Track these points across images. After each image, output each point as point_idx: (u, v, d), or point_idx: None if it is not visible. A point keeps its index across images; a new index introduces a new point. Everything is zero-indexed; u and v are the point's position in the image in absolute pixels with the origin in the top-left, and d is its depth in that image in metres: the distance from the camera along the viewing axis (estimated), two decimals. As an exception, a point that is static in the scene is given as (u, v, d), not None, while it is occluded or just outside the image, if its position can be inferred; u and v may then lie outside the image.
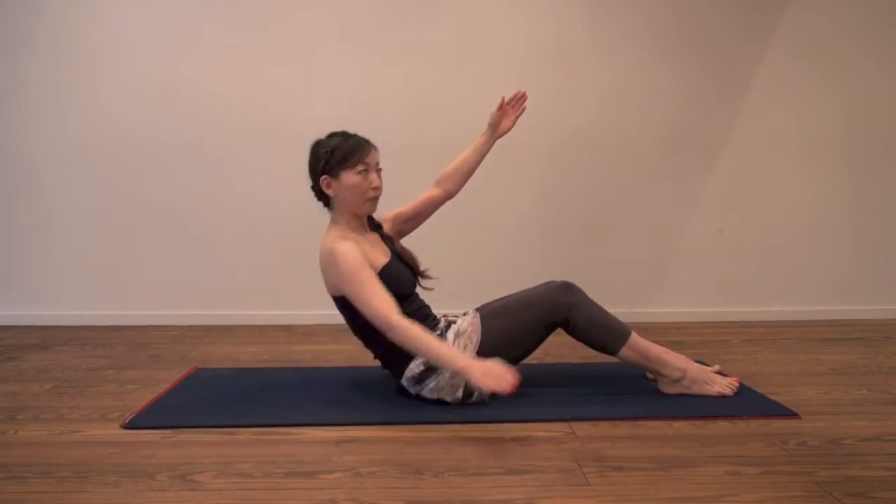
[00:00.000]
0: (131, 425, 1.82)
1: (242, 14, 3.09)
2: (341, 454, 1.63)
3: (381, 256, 2.00)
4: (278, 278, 3.18)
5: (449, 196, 2.24)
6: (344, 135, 2.00)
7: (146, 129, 3.12)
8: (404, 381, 1.97)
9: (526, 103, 2.25)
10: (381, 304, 1.83)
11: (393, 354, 1.95)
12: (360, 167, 1.94)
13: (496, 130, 2.23)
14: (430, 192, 2.23)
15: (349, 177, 1.95)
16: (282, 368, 2.42)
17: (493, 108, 2.21)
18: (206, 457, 1.61)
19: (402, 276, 2.01)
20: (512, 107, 2.23)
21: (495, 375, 1.68)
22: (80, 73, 3.09)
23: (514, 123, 2.24)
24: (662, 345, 2.05)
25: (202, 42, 3.10)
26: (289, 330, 3.05)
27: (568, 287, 2.01)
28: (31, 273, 3.17)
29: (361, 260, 1.88)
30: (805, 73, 3.21)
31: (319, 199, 2.05)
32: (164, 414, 1.92)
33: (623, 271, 3.24)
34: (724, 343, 2.77)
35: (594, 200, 3.24)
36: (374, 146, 2.01)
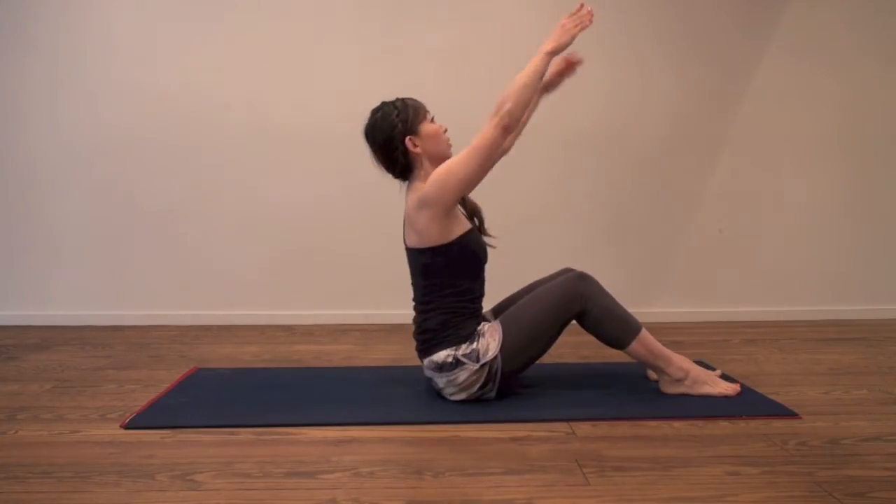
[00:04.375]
0: (131, 425, 1.82)
1: (240, 15, 3.09)
2: (341, 454, 1.63)
3: (465, 220, 2.03)
4: (278, 278, 3.18)
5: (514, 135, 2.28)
6: (389, 102, 2.02)
7: (145, 129, 3.12)
8: (426, 362, 1.99)
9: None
10: (475, 143, 1.87)
11: (437, 333, 1.96)
12: (429, 115, 2.02)
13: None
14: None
15: (426, 126, 1.99)
16: (282, 368, 2.42)
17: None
18: (206, 457, 1.61)
19: (482, 246, 2.04)
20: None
21: (567, 28, 1.97)
22: (78, 73, 3.09)
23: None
24: (664, 345, 2.04)
25: (200, 43, 3.10)
26: (289, 330, 3.05)
27: (582, 277, 2.01)
28: (31, 273, 3.17)
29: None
30: (806, 71, 3.21)
31: (398, 171, 2.03)
32: (164, 414, 1.92)
33: (623, 271, 3.24)
34: (724, 343, 2.77)
35: (595, 200, 3.24)
36: None
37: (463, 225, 1.99)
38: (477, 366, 1.92)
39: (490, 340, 1.95)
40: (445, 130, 2.04)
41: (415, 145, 1.98)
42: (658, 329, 2.90)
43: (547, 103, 3.16)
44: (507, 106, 1.87)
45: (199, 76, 3.11)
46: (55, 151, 3.12)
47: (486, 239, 2.07)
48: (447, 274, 1.97)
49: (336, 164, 3.14)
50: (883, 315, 3.25)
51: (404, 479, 1.49)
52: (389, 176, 2.05)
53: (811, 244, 3.28)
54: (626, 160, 3.22)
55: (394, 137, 1.97)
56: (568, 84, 3.18)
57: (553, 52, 1.95)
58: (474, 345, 1.95)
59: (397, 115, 1.98)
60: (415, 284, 2.04)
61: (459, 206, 2.05)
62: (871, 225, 3.29)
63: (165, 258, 3.17)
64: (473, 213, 2.10)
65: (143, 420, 1.86)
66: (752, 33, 3.19)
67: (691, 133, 3.23)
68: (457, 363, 1.93)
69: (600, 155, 3.21)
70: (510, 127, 1.87)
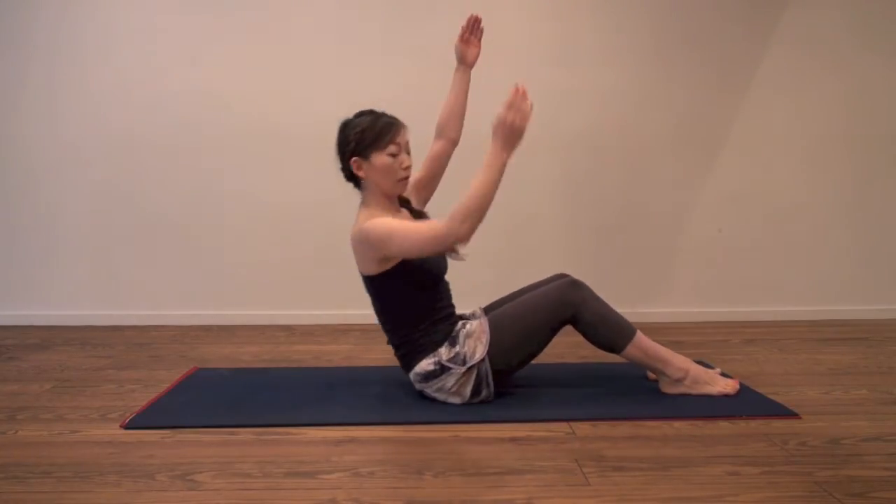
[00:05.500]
0: (131, 425, 1.82)
1: (241, 14, 3.09)
2: (341, 454, 1.63)
3: None
4: (278, 278, 3.18)
5: (454, 143, 2.22)
6: (373, 114, 1.98)
7: (146, 129, 3.12)
8: (412, 376, 1.98)
9: (482, 24, 2.19)
10: (424, 230, 1.80)
11: (409, 345, 1.96)
12: (392, 148, 1.93)
13: (466, 61, 2.20)
14: (434, 147, 2.21)
15: (380, 158, 1.93)
16: (282, 368, 2.42)
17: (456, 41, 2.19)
18: (206, 457, 1.61)
19: (436, 258, 2.00)
20: (471, 33, 2.18)
21: (514, 125, 1.72)
22: (78, 73, 3.09)
23: (479, 48, 2.20)
24: (663, 345, 2.04)
25: (200, 43, 3.10)
26: (289, 330, 3.05)
27: (575, 284, 2.00)
28: (31, 273, 3.17)
29: (390, 217, 1.90)
30: (807, 70, 3.21)
31: (349, 179, 2.03)
32: (164, 414, 1.92)
33: (623, 271, 3.24)
34: (724, 343, 2.77)
35: (595, 200, 3.23)
36: (404, 125, 1.98)
37: None
38: (463, 368, 1.91)
39: (477, 343, 1.93)
40: (407, 168, 1.96)
41: (359, 168, 1.96)
42: (658, 329, 2.90)
43: (548, 105, 3.17)
44: (465, 227, 1.73)
45: (199, 76, 3.10)
46: (55, 151, 3.12)
47: (454, 253, 2.04)
48: (400, 294, 1.96)
49: (336, 163, 3.13)
50: (883, 315, 3.25)
51: (404, 479, 1.49)
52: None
53: (811, 244, 3.28)
54: (626, 160, 3.22)
55: (343, 152, 1.97)
56: (568, 85, 3.19)
57: (510, 156, 1.79)
58: (457, 348, 1.93)
59: (355, 132, 1.95)
60: (373, 306, 2.03)
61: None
62: (872, 225, 3.29)
63: (165, 258, 3.17)
64: None
65: (143, 420, 1.86)
66: (752, 32, 3.19)
67: (691, 133, 3.22)
68: (443, 369, 1.92)
69: (600, 155, 3.21)
70: (463, 243, 1.79)
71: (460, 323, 2.01)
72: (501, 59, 3.13)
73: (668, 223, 3.27)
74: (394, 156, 1.93)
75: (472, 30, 2.19)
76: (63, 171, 3.13)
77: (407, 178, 1.99)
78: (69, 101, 3.10)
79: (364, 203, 2.02)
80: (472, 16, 2.17)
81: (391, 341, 2.04)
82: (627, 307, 3.14)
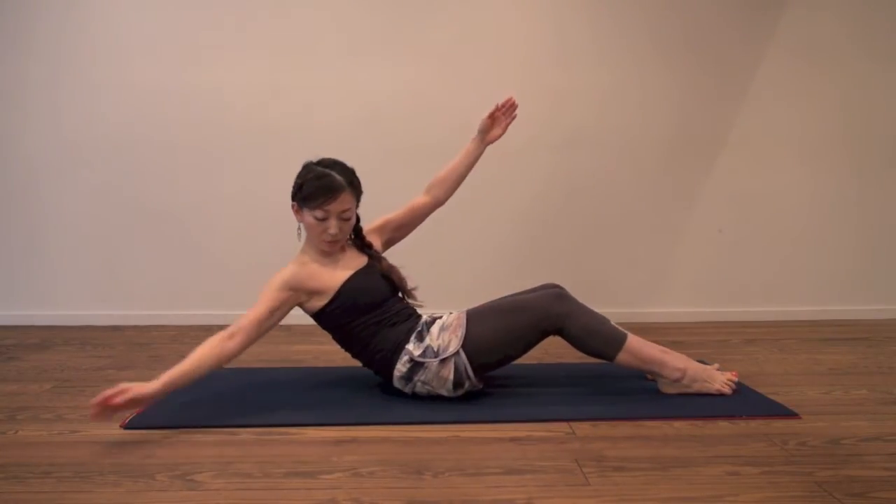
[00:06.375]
0: (131, 425, 1.82)
1: (242, 14, 3.10)
2: (341, 454, 1.63)
3: (345, 272, 2.01)
4: (278, 278, 3.18)
5: (438, 204, 2.24)
6: (325, 168, 1.97)
7: (146, 130, 3.12)
8: (396, 383, 1.99)
9: (517, 111, 2.26)
10: (248, 314, 1.93)
11: (378, 360, 1.99)
12: (318, 213, 1.95)
13: (486, 137, 2.24)
14: (418, 199, 2.24)
15: (307, 216, 1.98)
16: (282, 368, 2.42)
17: (486, 113, 2.22)
18: (206, 457, 1.61)
19: (367, 288, 2.01)
20: (503, 114, 2.24)
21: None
22: (80, 73, 3.09)
23: (504, 131, 2.25)
24: (662, 345, 2.04)
25: (201, 43, 3.11)
26: (289, 330, 3.04)
27: (560, 296, 1.99)
28: (31, 273, 3.17)
29: (278, 284, 1.97)
30: (806, 71, 3.21)
31: None
32: (164, 414, 1.91)
33: (623, 271, 3.24)
34: (724, 343, 2.77)
35: (595, 201, 3.24)
36: (347, 190, 1.94)
37: (337, 279, 1.98)
38: (436, 360, 1.91)
39: (452, 336, 1.93)
40: (332, 234, 1.95)
41: (296, 212, 2.02)
42: (658, 329, 2.91)
43: (546, 105, 3.18)
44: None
45: (200, 75, 3.11)
46: (56, 151, 3.13)
47: (412, 302, 2.09)
48: (345, 323, 2.00)
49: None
50: (883, 315, 3.25)
51: (404, 479, 1.49)
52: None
53: (811, 244, 3.28)
54: (626, 160, 3.22)
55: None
56: (567, 85, 3.20)
57: None
58: (426, 341, 1.94)
59: (298, 181, 1.98)
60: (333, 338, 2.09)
61: (353, 250, 2.10)
62: (871, 225, 3.29)
63: (165, 258, 3.18)
64: (387, 274, 2.08)
65: (143, 420, 1.86)
66: (751, 33, 3.19)
67: (691, 133, 3.23)
68: (416, 364, 1.93)
69: (600, 155, 3.21)
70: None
71: (426, 317, 2.03)
72: (500, 60, 3.14)
73: (668, 223, 3.27)
74: (319, 220, 1.96)
75: (506, 112, 2.23)
76: (63, 171, 3.13)
77: (333, 242, 1.99)
78: (70, 102, 3.11)
79: (305, 242, 2.07)
80: (510, 98, 2.22)
81: (363, 363, 2.07)
82: (627, 307, 3.17)
